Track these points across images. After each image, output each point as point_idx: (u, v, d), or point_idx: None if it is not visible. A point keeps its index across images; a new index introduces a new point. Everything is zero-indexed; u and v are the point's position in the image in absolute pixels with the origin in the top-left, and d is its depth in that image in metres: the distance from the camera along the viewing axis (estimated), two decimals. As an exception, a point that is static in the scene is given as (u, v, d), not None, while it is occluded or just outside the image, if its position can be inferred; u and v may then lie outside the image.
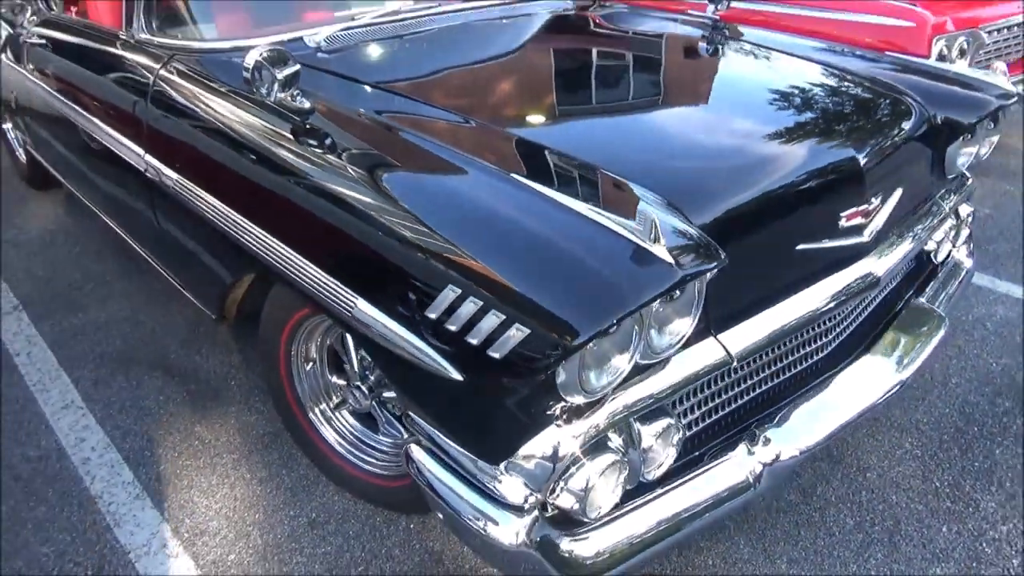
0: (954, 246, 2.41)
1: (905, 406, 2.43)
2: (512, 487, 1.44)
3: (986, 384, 2.54)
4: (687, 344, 1.49)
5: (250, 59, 1.65)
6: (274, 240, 1.76)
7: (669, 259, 1.29)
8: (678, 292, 1.39)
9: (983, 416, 2.40)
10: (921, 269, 2.36)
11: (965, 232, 2.44)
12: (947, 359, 2.65)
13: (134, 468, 2.26)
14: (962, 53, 3.70)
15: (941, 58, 3.60)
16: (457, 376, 1.41)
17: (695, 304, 1.44)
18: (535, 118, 2.03)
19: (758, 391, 1.81)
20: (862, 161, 1.80)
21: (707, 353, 1.55)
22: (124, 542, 2.02)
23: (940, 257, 2.35)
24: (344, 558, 1.97)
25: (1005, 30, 3.87)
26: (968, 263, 2.47)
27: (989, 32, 3.79)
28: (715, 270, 1.36)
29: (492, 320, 1.30)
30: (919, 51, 3.51)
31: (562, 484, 1.43)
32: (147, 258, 2.71)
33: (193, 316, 2.92)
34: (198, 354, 2.78)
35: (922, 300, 2.21)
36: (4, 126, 4.26)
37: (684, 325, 1.45)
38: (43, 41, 2.98)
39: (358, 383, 1.99)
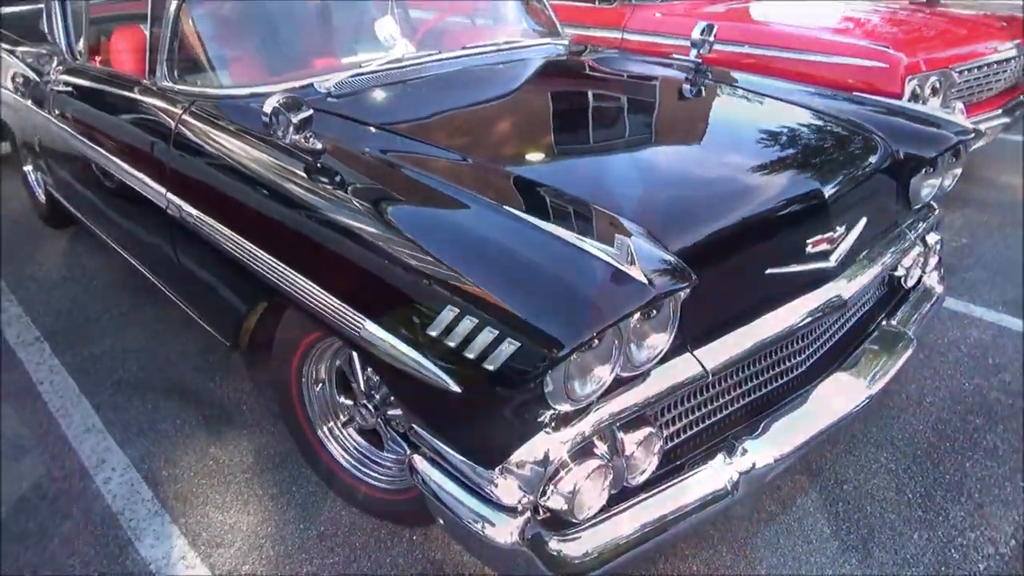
0: (924, 272, 2.56)
1: (881, 423, 2.56)
2: (507, 490, 1.57)
3: (959, 403, 2.67)
4: (665, 359, 1.64)
5: (268, 105, 1.83)
6: (288, 269, 1.92)
7: (643, 279, 1.44)
8: (655, 311, 1.55)
9: (955, 432, 2.53)
10: (893, 294, 2.51)
11: (934, 259, 2.59)
12: (922, 379, 2.79)
13: (153, 487, 2.39)
14: (934, 92, 3.88)
15: (914, 97, 3.77)
16: (456, 388, 1.55)
17: (671, 321, 1.59)
18: (525, 155, 2.21)
19: (736, 405, 1.95)
20: (827, 192, 1.97)
21: (684, 367, 1.70)
22: (144, 554, 2.15)
23: (911, 283, 2.50)
24: (352, 568, 2.10)
25: (976, 69, 4.06)
26: (939, 288, 2.61)
27: (960, 72, 3.99)
28: (686, 289, 1.52)
29: (486, 336, 1.45)
30: (892, 90, 3.68)
31: (552, 487, 1.57)
32: (164, 290, 2.85)
33: (206, 345, 3.07)
34: (211, 380, 2.92)
35: (893, 322, 2.36)
36: (25, 168, 4.46)
37: (661, 340, 1.60)
38: (69, 88, 3.16)
39: (364, 402, 2.13)
